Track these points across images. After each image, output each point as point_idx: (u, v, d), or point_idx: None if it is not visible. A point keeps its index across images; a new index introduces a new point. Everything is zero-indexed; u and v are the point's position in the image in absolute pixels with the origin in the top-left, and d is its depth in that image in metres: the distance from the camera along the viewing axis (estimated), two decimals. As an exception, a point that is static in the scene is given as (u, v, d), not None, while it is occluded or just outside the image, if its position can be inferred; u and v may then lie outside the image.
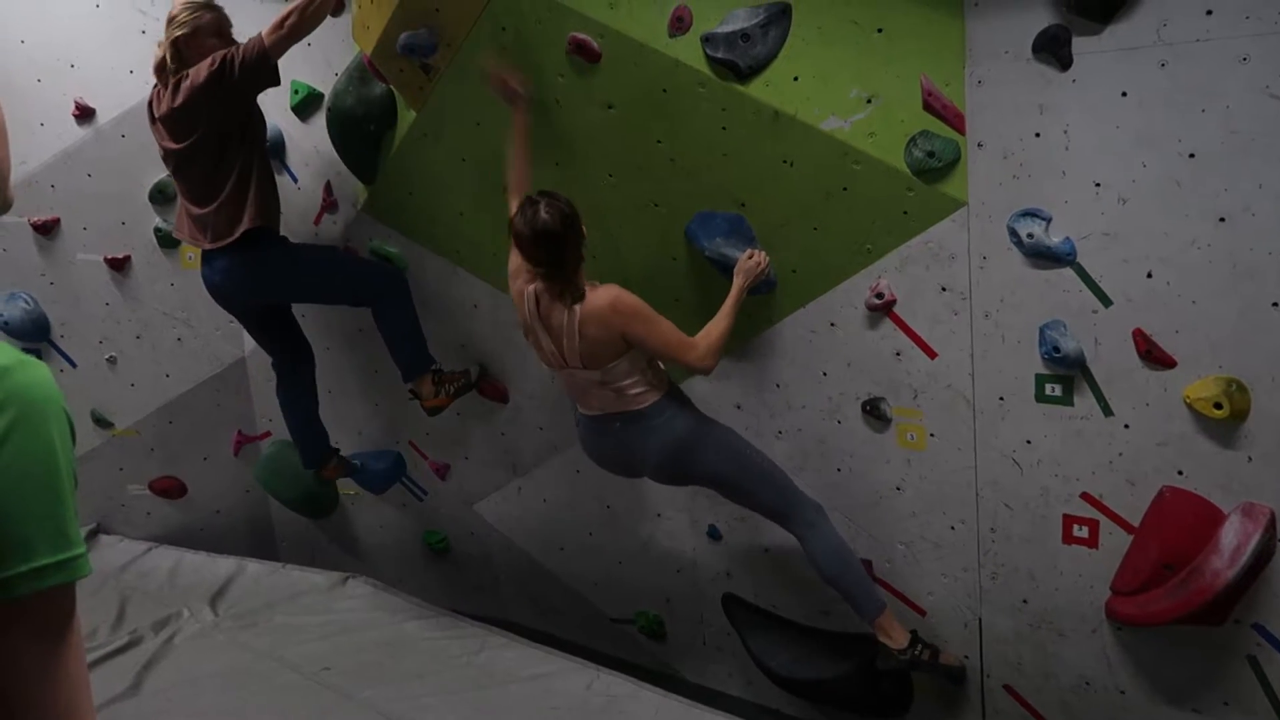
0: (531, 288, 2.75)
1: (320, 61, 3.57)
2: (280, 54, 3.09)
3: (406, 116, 3.30)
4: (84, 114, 3.90)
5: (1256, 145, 2.15)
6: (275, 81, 3.16)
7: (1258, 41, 2.11)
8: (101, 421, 4.17)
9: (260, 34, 3.05)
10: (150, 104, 3.34)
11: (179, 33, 3.17)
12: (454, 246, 3.51)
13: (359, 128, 3.40)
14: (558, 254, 2.63)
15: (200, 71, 3.10)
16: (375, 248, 3.69)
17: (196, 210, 3.34)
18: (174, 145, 3.26)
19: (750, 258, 2.81)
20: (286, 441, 4.21)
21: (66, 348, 4.10)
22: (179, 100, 3.14)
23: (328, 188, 3.73)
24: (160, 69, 3.23)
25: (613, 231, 3.13)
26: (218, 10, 3.25)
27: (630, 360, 2.73)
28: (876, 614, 2.88)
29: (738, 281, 2.80)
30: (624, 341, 2.69)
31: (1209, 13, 2.15)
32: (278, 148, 3.79)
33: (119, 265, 4.05)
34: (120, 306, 4.12)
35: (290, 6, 3.05)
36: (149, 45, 3.61)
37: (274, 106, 3.63)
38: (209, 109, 3.13)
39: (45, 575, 0.79)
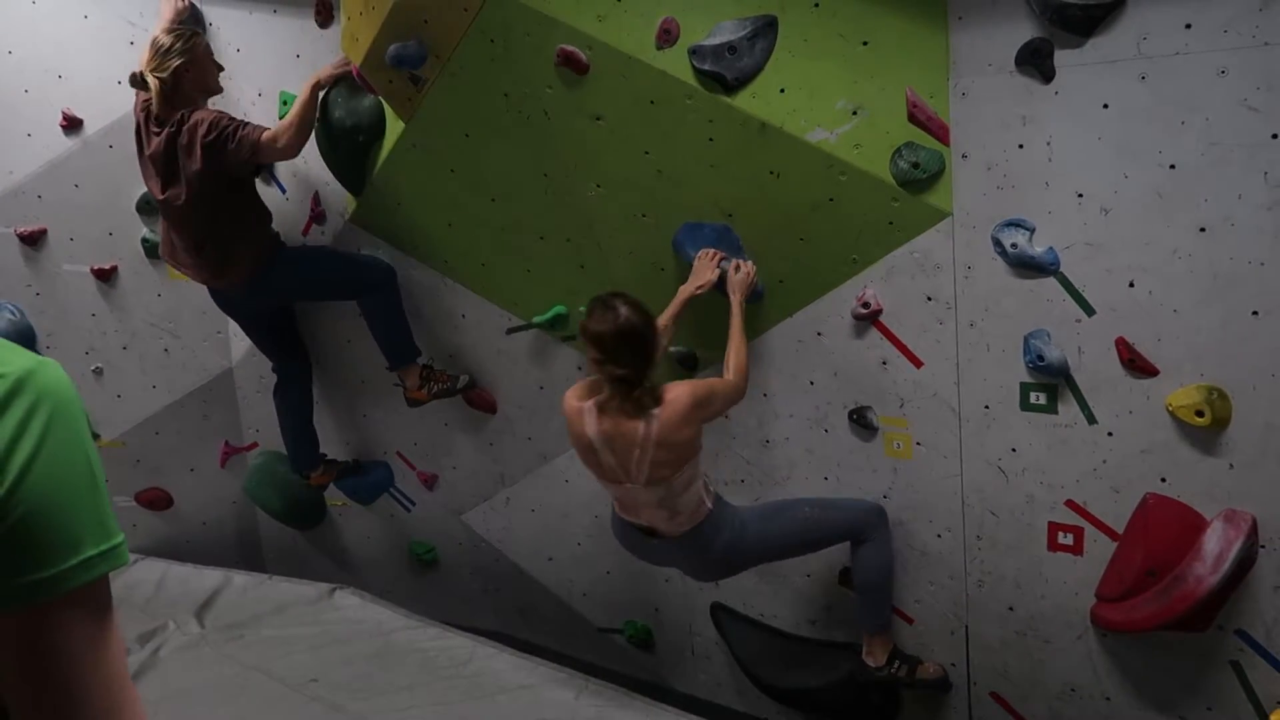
0: (591, 402, 2.62)
1: (309, 73, 3.57)
2: (269, 160, 3.33)
3: (395, 127, 3.30)
4: (71, 124, 3.89)
5: (1236, 157, 2.19)
6: (259, 172, 3.43)
7: (1236, 55, 2.14)
8: (90, 433, 4.14)
9: (260, 134, 3.17)
10: (138, 135, 3.40)
11: (178, 61, 3.23)
12: (442, 257, 3.52)
13: (348, 139, 3.41)
14: (642, 354, 2.53)
15: (195, 136, 3.19)
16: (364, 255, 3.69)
17: (188, 251, 3.44)
18: (160, 191, 3.35)
19: (738, 270, 2.83)
20: (274, 453, 4.20)
21: (53, 359, 4.07)
22: (171, 157, 3.26)
23: (315, 198, 3.73)
24: (154, 96, 3.27)
25: (600, 242, 3.15)
26: (201, 34, 3.37)
27: (691, 470, 2.63)
28: (878, 631, 2.93)
29: (735, 298, 2.80)
30: (695, 442, 2.60)
31: (1188, 26, 2.18)
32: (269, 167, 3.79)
33: (106, 276, 4.04)
34: (107, 317, 4.10)
35: (288, 119, 3.21)
36: (138, 56, 3.63)
37: (263, 117, 3.63)
38: (199, 179, 3.25)
39: (93, 566, 0.81)
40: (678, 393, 2.58)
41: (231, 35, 3.80)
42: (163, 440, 4.23)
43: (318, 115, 3.33)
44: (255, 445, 4.30)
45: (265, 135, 3.18)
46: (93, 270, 4.03)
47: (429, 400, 3.63)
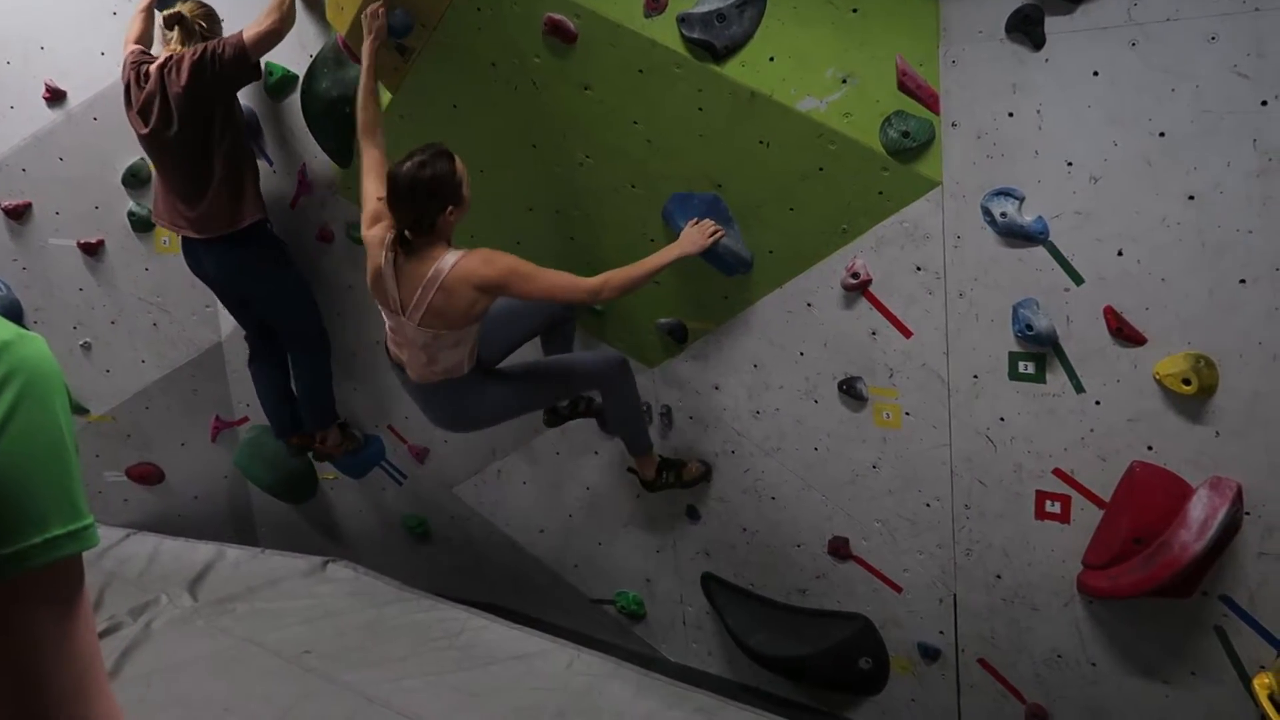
0: (392, 234, 2.71)
1: (294, 43, 3.53)
2: (261, 52, 3.26)
3: (382, 98, 3.27)
4: (55, 97, 3.85)
5: (1225, 124, 2.18)
6: (257, 76, 3.36)
7: (1226, 21, 2.13)
8: (77, 408, 4.14)
9: (241, 31, 3.20)
10: (127, 89, 3.37)
11: (211, 36, 3.34)
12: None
13: (334, 110, 3.38)
14: (421, 208, 2.60)
15: (182, 64, 3.21)
16: (354, 236, 3.67)
17: (183, 201, 3.45)
18: (150, 131, 3.35)
19: (695, 224, 2.81)
20: (264, 427, 4.19)
21: (41, 334, 4.05)
22: (164, 92, 3.26)
23: (303, 170, 3.71)
24: (174, 42, 3.36)
25: (590, 212, 3.13)
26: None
27: (465, 334, 2.74)
28: (643, 452, 3.21)
29: (674, 248, 2.79)
30: (475, 311, 2.67)
31: (1179, -8, 2.17)
32: (253, 130, 3.75)
33: (92, 250, 4.01)
34: (94, 292, 4.08)
35: (268, 7, 3.19)
36: (122, 28, 3.59)
37: (248, 89, 3.59)
38: (187, 100, 3.24)
39: (59, 545, 0.79)
40: (485, 259, 2.64)
41: (216, 3, 3.75)
42: (153, 415, 4.22)
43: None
44: (246, 420, 4.30)
45: (248, 28, 3.22)
46: (79, 244, 4.00)
47: (350, 449, 4.04)
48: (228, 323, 4.08)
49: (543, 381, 3.07)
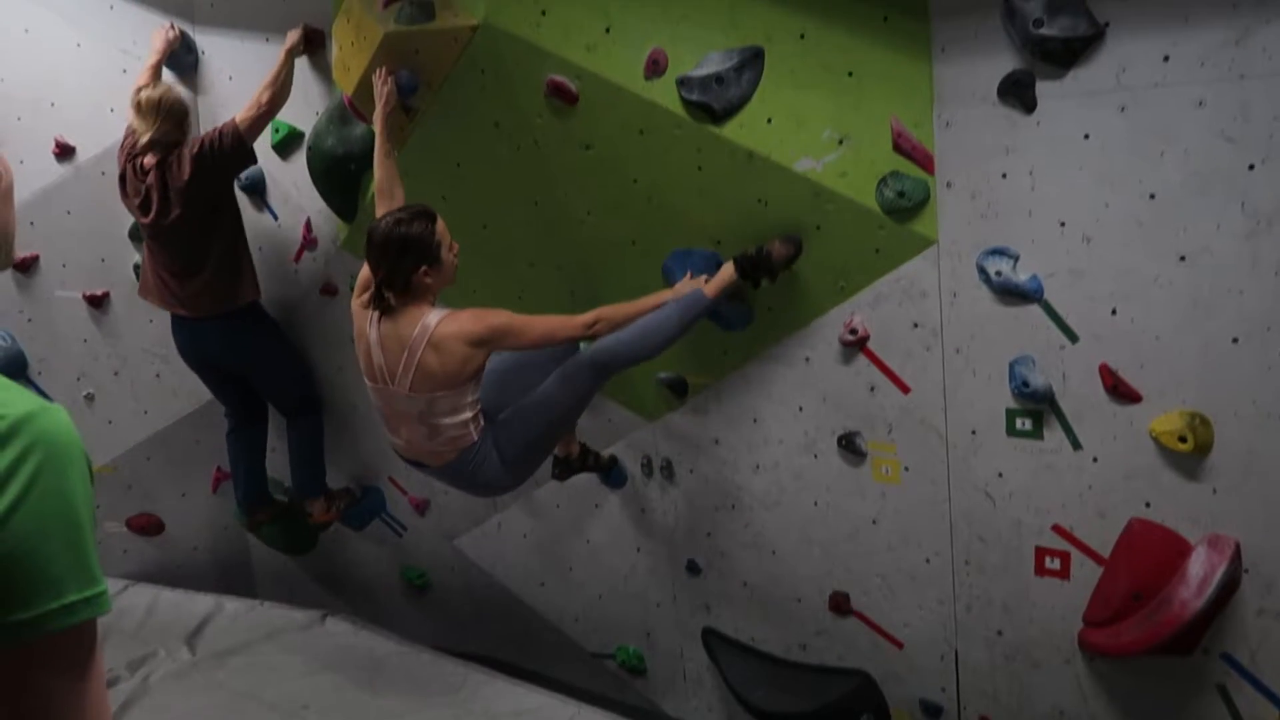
0: (362, 301, 2.71)
1: (301, 101, 3.60)
2: (255, 135, 3.38)
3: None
4: (64, 152, 3.92)
5: (1214, 187, 2.22)
6: (252, 161, 3.47)
7: (1212, 87, 2.18)
8: (81, 461, 4.15)
9: (234, 119, 3.32)
10: (122, 177, 3.50)
11: (179, 109, 3.41)
12: (434, 283, 3.54)
13: (340, 167, 3.44)
14: (398, 264, 2.57)
15: (183, 158, 3.33)
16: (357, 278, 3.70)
17: (175, 280, 3.53)
18: (151, 221, 3.45)
19: (691, 278, 2.84)
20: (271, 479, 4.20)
21: (44, 385, 4.08)
22: (163, 184, 3.36)
23: (308, 225, 3.76)
24: (145, 145, 3.41)
25: (591, 268, 3.17)
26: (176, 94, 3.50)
27: (460, 397, 2.66)
28: (569, 432, 3.16)
29: (667, 293, 2.81)
30: (469, 369, 2.61)
31: (1166, 59, 2.22)
32: (258, 185, 3.82)
33: (98, 302, 4.05)
34: (99, 343, 4.11)
35: (260, 89, 3.32)
36: (130, 84, 3.66)
37: (255, 146, 3.65)
38: (190, 191, 3.35)
39: (75, 611, 0.83)
40: (475, 315, 2.61)
41: (223, 63, 3.84)
42: (154, 466, 4.24)
43: (292, 82, 3.45)
44: (245, 470, 4.30)
45: (241, 114, 3.34)
46: (85, 296, 4.04)
47: (338, 518, 4.05)
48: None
49: (557, 411, 2.87)
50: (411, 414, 2.70)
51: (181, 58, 3.82)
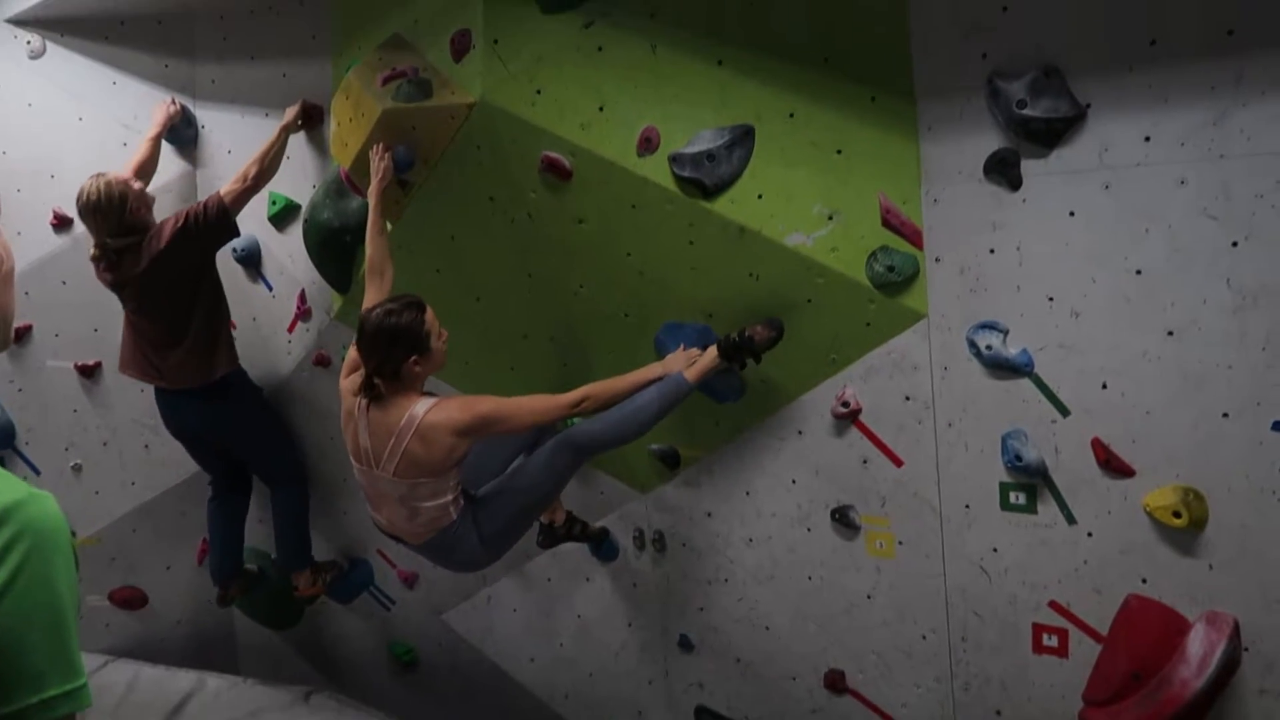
0: (361, 380, 2.71)
1: (298, 174, 3.66)
2: (239, 208, 3.39)
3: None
4: (62, 223, 3.95)
5: (1198, 263, 2.25)
6: (235, 234, 3.47)
7: (1193, 166, 2.22)
8: (63, 531, 4.09)
9: (219, 192, 3.34)
10: (95, 263, 3.48)
11: (134, 203, 3.35)
12: (427, 354, 3.54)
13: (335, 239, 3.47)
14: (388, 356, 2.59)
15: (163, 234, 3.33)
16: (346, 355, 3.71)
17: (155, 352, 3.53)
18: (130, 292, 3.46)
19: (684, 351, 2.86)
20: (251, 549, 4.15)
21: (32, 455, 4.05)
22: (142, 265, 3.35)
23: (302, 296, 3.77)
24: (104, 247, 3.40)
25: (583, 340, 3.18)
26: (110, 183, 3.38)
27: (443, 483, 2.68)
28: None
29: (657, 366, 2.83)
30: (455, 457, 2.63)
31: (1147, 139, 2.27)
32: (254, 257, 3.85)
33: (89, 372, 4.04)
34: (89, 413, 4.09)
35: (248, 163, 3.36)
36: (130, 157, 3.71)
37: (251, 217, 3.70)
38: (172, 265, 3.36)
39: (54, 706, 0.82)
40: (462, 405, 2.63)
41: (223, 137, 3.90)
42: (140, 537, 4.18)
43: (284, 158, 3.50)
44: (233, 542, 4.25)
45: (226, 187, 3.35)
46: (76, 366, 4.04)
47: (324, 592, 4.00)
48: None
49: (536, 493, 2.89)
50: (394, 496, 2.71)
51: (181, 131, 3.89)
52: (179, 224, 3.34)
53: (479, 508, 2.82)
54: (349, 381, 2.78)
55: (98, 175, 3.33)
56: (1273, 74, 2.11)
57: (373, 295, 2.89)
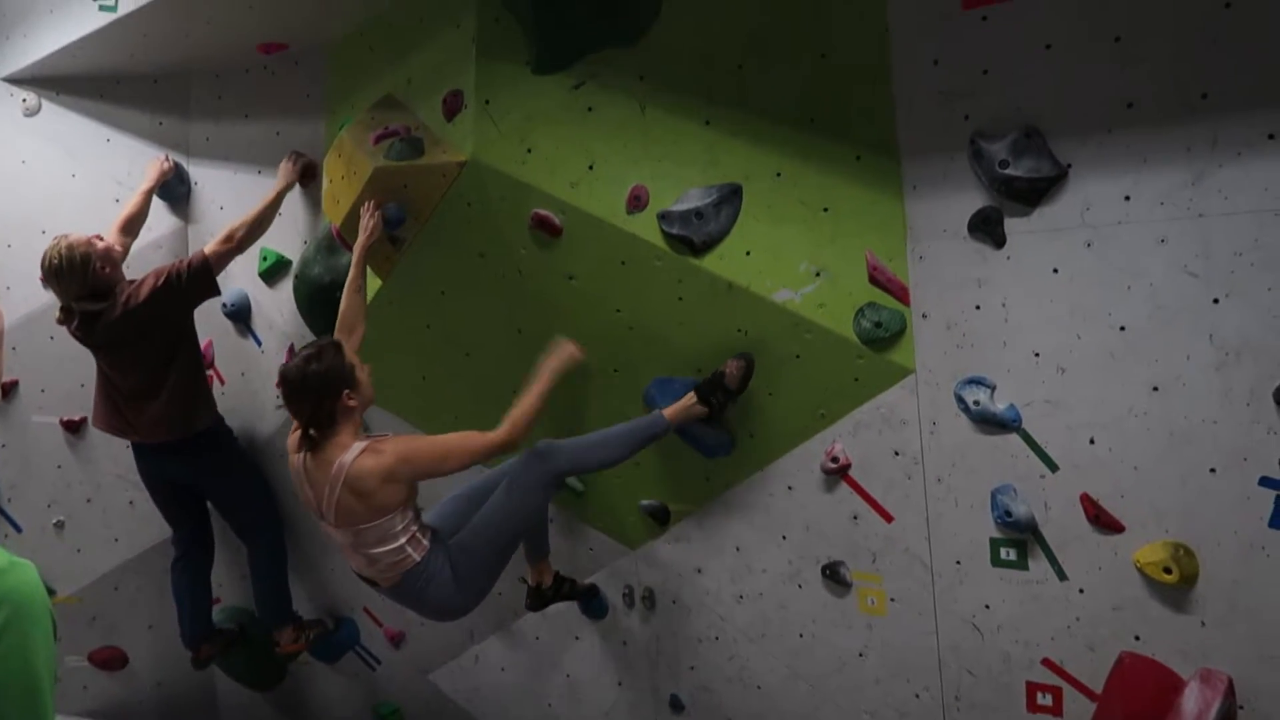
0: (298, 433, 2.70)
1: (290, 230, 3.68)
2: (222, 267, 3.38)
3: (373, 284, 3.38)
4: (51, 278, 3.94)
5: (1181, 320, 2.28)
6: (216, 292, 3.43)
7: (1173, 224, 2.26)
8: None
9: (203, 250, 3.34)
10: (62, 324, 3.45)
11: (98, 264, 3.30)
12: (414, 408, 3.54)
13: (326, 295, 3.48)
14: (310, 404, 2.59)
15: (141, 289, 3.31)
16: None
17: (129, 407, 3.48)
18: (108, 354, 3.43)
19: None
20: (236, 608, 4.09)
21: (14, 511, 4.00)
22: (116, 319, 3.31)
23: (290, 350, 3.76)
24: (69, 310, 3.38)
25: (573, 396, 3.18)
26: (73, 243, 3.32)
27: (389, 526, 2.63)
28: (545, 557, 3.17)
29: (551, 364, 2.81)
30: (393, 502, 2.60)
31: (1127, 198, 2.32)
32: (243, 312, 3.85)
33: (74, 427, 4.01)
34: (73, 469, 4.05)
35: (236, 223, 3.36)
36: (121, 211, 3.73)
37: (242, 273, 3.72)
38: (149, 321, 3.34)
39: None
40: (387, 448, 2.59)
41: (215, 193, 3.93)
42: (121, 596, 4.12)
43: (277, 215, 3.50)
44: (218, 600, 4.18)
45: (212, 245, 3.33)
46: (62, 422, 4.01)
47: (306, 649, 3.89)
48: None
49: (504, 535, 2.82)
50: (346, 544, 2.71)
51: (174, 188, 3.91)
52: (159, 281, 3.31)
53: (454, 548, 2.77)
54: (291, 439, 2.77)
55: (60, 238, 3.29)
56: (1247, 136, 2.16)
57: None
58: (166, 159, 3.85)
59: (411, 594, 2.76)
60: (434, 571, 2.73)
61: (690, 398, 2.83)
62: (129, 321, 3.32)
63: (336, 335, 2.91)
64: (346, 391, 2.61)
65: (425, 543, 2.72)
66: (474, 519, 2.83)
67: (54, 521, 4.05)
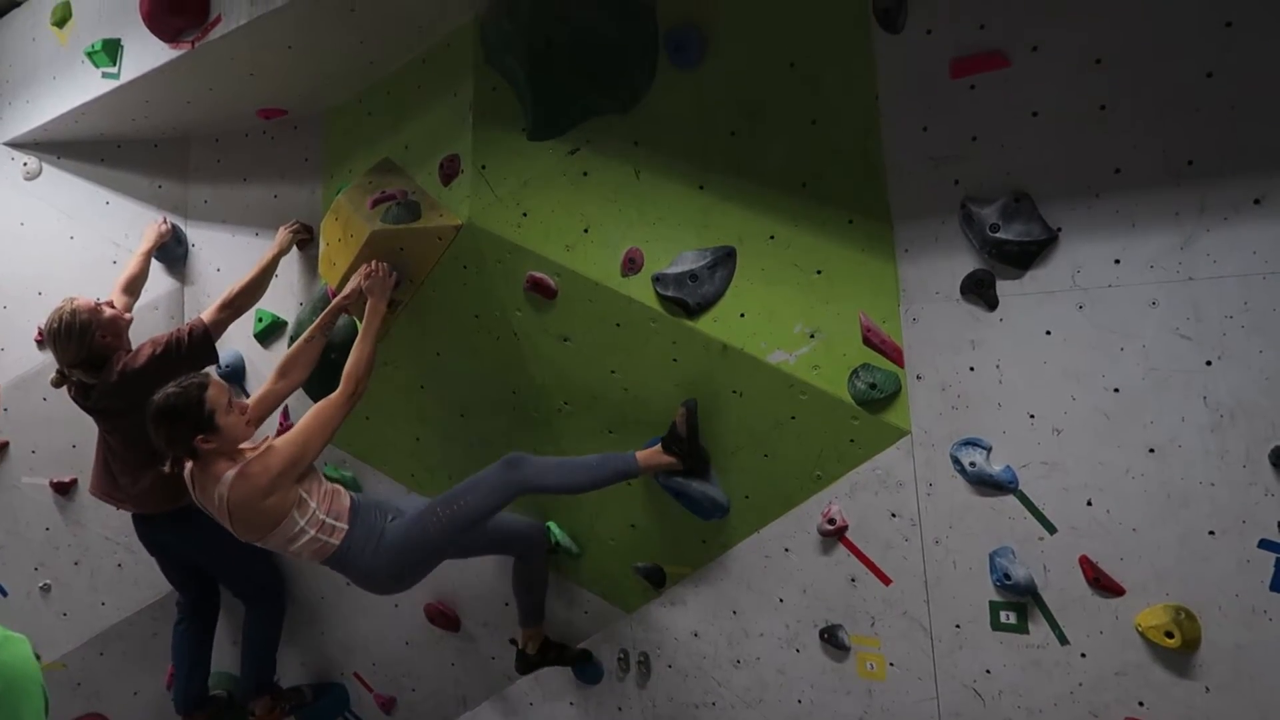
0: (189, 468, 2.72)
1: (285, 292, 3.70)
2: (220, 333, 3.38)
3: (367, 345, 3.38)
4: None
5: (1174, 382, 2.29)
6: (215, 360, 3.42)
7: (1163, 288, 2.28)
8: (28, 656, 3.95)
9: (201, 317, 3.34)
10: (57, 386, 3.44)
11: (98, 332, 3.29)
12: (409, 470, 3.52)
13: (321, 356, 3.47)
14: (169, 434, 2.63)
15: (139, 357, 3.29)
16: (329, 473, 3.68)
17: (124, 475, 3.44)
18: (103, 420, 3.41)
19: (369, 277, 2.93)
20: (222, 673, 4.01)
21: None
22: (114, 386, 3.29)
23: (285, 412, 3.76)
24: (63, 375, 3.36)
25: (568, 456, 3.17)
26: (75, 310, 3.33)
27: (289, 527, 2.66)
28: (536, 624, 3.20)
29: (371, 300, 2.89)
30: (284, 508, 2.64)
31: (1117, 261, 2.34)
32: (238, 373, 3.85)
33: (64, 489, 3.98)
34: (61, 531, 4.00)
35: (232, 288, 3.38)
36: (120, 274, 3.75)
37: (238, 334, 3.72)
38: (147, 390, 3.27)
39: None
40: (255, 469, 2.61)
41: (212, 255, 3.96)
42: (107, 661, 4.04)
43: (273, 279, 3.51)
44: (205, 665, 4.11)
45: (210, 313, 3.34)
46: (51, 483, 3.97)
47: None
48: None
49: (452, 524, 2.81)
50: (269, 549, 2.77)
51: (171, 250, 3.94)
52: (157, 350, 3.29)
53: (395, 522, 2.82)
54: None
55: (67, 301, 3.30)
56: (1233, 201, 2.19)
57: (265, 388, 2.93)
58: (164, 221, 3.88)
59: (339, 567, 2.82)
60: (358, 550, 2.76)
61: (658, 448, 2.89)
62: (125, 389, 3.28)
63: (272, 374, 2.96)
64: (200, 436, 2.62)
65: (342, 525, 2.75)
66: (431, 500, 2.86)
67: (40, 585, 3.99)
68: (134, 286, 3.68)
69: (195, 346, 3.31)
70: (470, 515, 2.82)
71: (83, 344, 3.26)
